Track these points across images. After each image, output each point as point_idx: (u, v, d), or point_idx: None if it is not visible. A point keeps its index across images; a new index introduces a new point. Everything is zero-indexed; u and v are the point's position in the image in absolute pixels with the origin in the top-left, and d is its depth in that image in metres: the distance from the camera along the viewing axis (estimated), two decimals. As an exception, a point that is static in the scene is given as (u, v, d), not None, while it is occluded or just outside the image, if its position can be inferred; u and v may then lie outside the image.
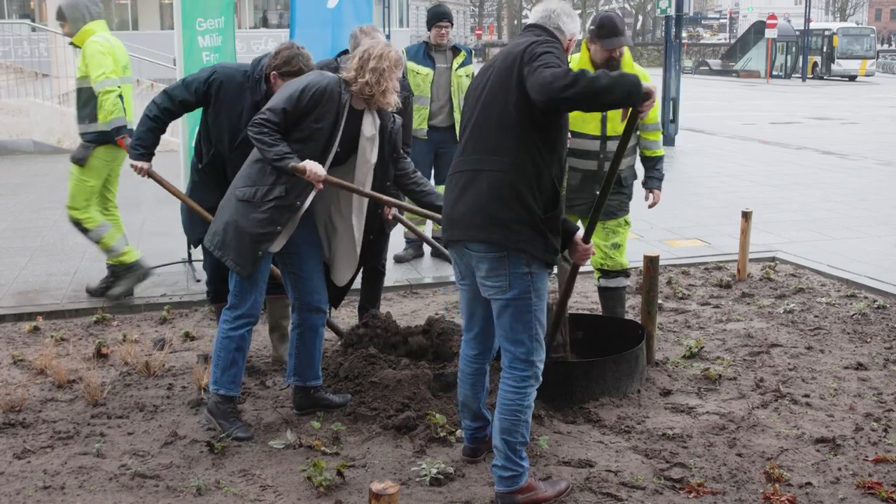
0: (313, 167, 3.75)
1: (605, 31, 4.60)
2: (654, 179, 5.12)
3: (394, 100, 3.91)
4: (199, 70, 4.58)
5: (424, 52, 6.86)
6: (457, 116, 6.86)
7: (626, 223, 5.04)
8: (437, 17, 6.90)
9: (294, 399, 4.23)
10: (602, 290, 5.13)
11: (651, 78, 3.67)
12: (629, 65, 4.71)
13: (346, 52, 4.98)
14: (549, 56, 3.11)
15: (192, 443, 3.88)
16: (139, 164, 4.47)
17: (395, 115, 4.17)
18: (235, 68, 4.46)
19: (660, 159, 5.10)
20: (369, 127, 3.98)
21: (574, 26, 3.43)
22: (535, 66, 3.08)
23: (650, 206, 5.16)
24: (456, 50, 6.90)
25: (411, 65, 6.73)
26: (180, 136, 6.71)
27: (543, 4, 3.45)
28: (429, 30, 6.95)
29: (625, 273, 5.06)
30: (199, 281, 6.38)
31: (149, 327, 5.58)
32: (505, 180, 3.20)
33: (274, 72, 4.26)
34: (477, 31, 73.44)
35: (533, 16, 3.47)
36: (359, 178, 4.03)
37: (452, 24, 6.99)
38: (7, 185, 10.81)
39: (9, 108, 13.98)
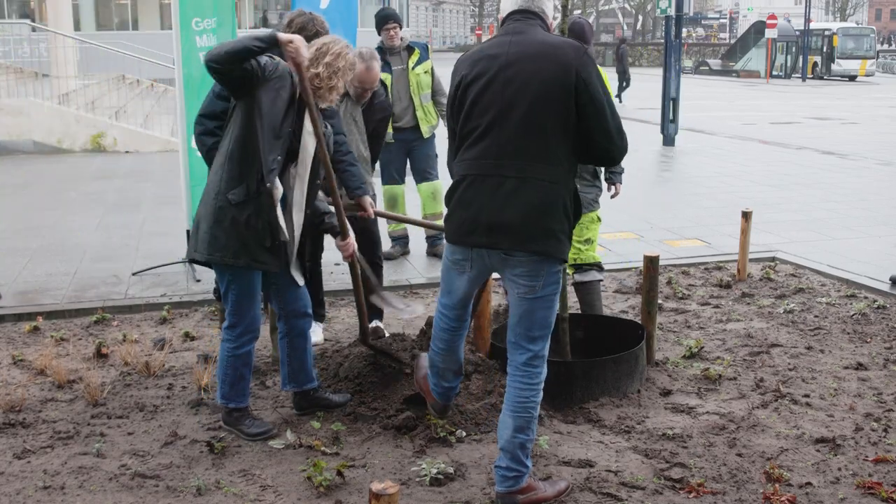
0: (298, 39, 3.60)
1: (572, 37, 4.69)
2: (615, 174, 5.41)
3: (335, 99, 3.92)
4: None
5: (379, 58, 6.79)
6: (420, 115, 6.94)
7: (598, 219, 5.20)
8: (384, 21, 6.90)
9: (294, 401, 4.23)
10: (577, 286, 5.19)
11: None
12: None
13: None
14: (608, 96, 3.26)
15: (192, 443, 3.88)
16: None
17: (328, 123, 4.15)
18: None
19: None
20: (309, 123, 3.90)
21: (551, 4, 3.46)
22: (606, 108, 3.21)
23: (612, 197, 5.49)
24: (410, 49, 6.91)
25: None
26: (180, 136, 6.70)
27: None
28: (379, 34, 6.94)
29: (597, 266, 5.16)
30: (199, 281, 6.38)
31: (149, 327, 5.58)
32: (558, 192, 3.20)
33: None
34: (477, 31, 73.41)
35: (511, 3, 3.37)
36: (300, 173, 3.95)
37: (401, 26, 7.00)
38: (7, 185, 10.82)
39: (9, 108, 13.97)
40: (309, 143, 3.88)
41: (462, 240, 3.32)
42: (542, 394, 3.36)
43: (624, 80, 24.80)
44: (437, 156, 7.23)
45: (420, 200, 7.23)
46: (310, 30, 4.21)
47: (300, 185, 3.92)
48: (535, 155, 3.17)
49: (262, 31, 3.66)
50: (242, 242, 3.74)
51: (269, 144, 3.67)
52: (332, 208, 4.10)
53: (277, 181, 3.73)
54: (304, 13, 4.30)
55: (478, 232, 3.25)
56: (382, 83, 5.36)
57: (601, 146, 3.25)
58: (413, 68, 6.87)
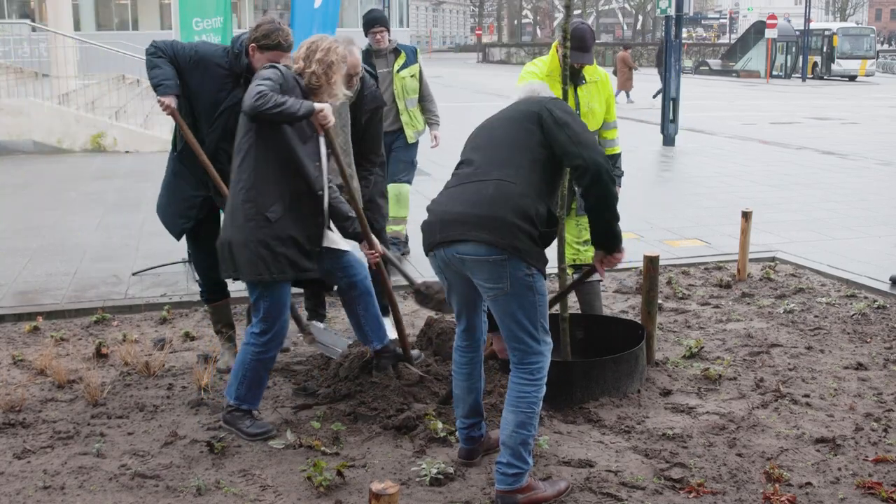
0: (328, 108, 3.83)
1: (573, 44, 4.69)
2: (615, 176, 5.24)
3: (342, 92, 3.99)
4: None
5: (365, 60, 6.41)
6: (404, 119, 6.88)
7: None
8: (371, 24, 6.80)
9: (378, 364, 4.34)
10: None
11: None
12: (593, 66, 5.03)
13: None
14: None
15: (192, 443, 3.88)
16: (167, 99, 4.35)
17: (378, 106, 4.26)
18: (215, 46, 4.57)
19: (618, 156, 5.27)
20: (308, 127, 4.00)
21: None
22: (571, 120, 3.40)
23: None
24: (397, 52, 6.84)
25: None
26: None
27: (529, 85, 3.80)
28: (366, 36, 6.86)
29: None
30: (199, 281, 6.37)
31: (149, 327, 5.58)
32: (513, 190, 3.26)
33: (253, 44, 4.28)
34: (477, 31, 73.44)
35: (520, 93, 3.76)
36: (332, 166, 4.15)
37: (388, 29, 6.89)
38: (7, 185, 10.82)
39: (9, 108, 13.98)
40: (322, 148, 4.03)
41: (426, 246, 3.43)
42: (543, 389, 3.36)
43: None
44: (415, 164, 7.16)
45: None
46: (273, 39, 4.24)
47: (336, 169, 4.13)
48: (494, 163, 3.36)
49: (305, 106, 3.75)
50: (286, 257, 3.84)
51: (307, 158, 3.88)
52: (353, 213, 4.23)
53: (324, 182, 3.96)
54: (273, 21, 4.34)
55: (434, 231, 3.36)
56: (374, 75, 5.19)
57: (569, 152, 3.32)
58: (398, 71, 6.81)
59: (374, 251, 4.33)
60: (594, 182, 3.29)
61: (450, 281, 3.45)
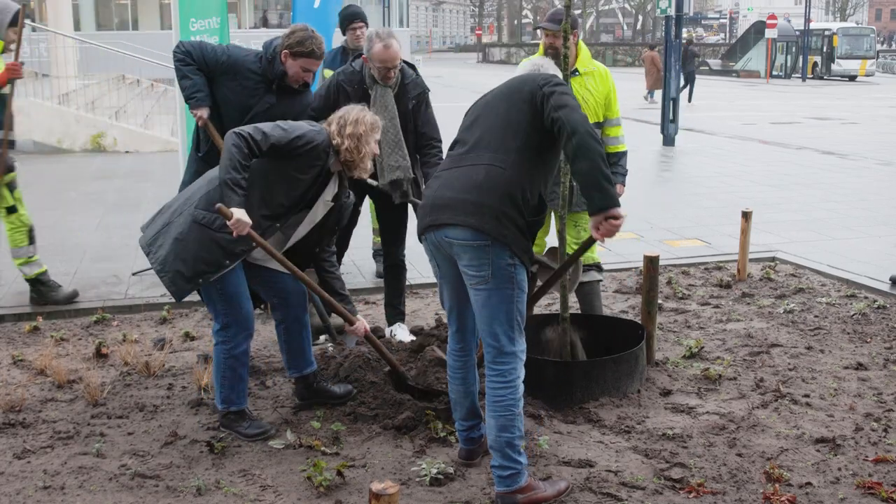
0: (241, 217, 3.58)
1: (547, 17, 4.93)
2: (618, 175, 5.10)
3: (369, 166, 3.96)
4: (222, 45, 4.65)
5: (341, 59, 6.22)
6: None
7: None
8: (350, 19, 6.34)
9: (296, 391, 4.25)
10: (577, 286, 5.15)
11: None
12: (586, 58, 4.99)
13: (359, 54, 5.02)
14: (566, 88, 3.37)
15: (192, 443, 3.88)
16: (200, 112, 4.32)
17: (350, 191, 4.17)
18: (247, 51, 4.55)
19: (623, 154, 5.12)
20: (330, 191, 4.00)
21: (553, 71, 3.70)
22: (559, 91, 3.31)
23: None
24: None
25: (328, 72, 6.08)
26: (180, 136, 6.70)
27: (531, 60, 3.80)
28: (343, 34, 6.41)
29: (597, 267, 5.13)
30: (199, 281, 6.38)
31: (149, 327, 5.58)
32: (503, 176, 3.27)
33: (286, 50, 4.29)
34: (477, 31, 73.45)
35: (521, 69, 3.75)
36: (298, 233, 4.00)
37: (367, 25, 6.34)
38: (7, 185, 10.80)
39: (9, 108, 13.96)
40: (319, 209, 3.99)
41: (419, 230, 3.45)
42: (520, 390, 3.34)
43: (689, 82, 24.82)
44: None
45: (371, 212, 6.63)
46: (307, 47, 4.28)
47: (294, 236, 4.00)
48: (486, 145, 3.36)
49: (227, 184, 3.63)
50: (218, 246, 3.73)
51: (281, 191, 3.84)
52: (345, 292, 4.18)
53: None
54: (307, 29, 4.37)
55: (425, 214, 3.38)
56: (411, 65, 4.99)
57: (551, 117, 3.25)
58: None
59: (356, 330, 4.10)
60: (571, 137, 3.18)
61: (441, 267, 3.46)
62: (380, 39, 4.72)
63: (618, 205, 3.20)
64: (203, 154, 4.61)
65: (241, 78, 4.42)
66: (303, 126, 3.87)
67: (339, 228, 4.20)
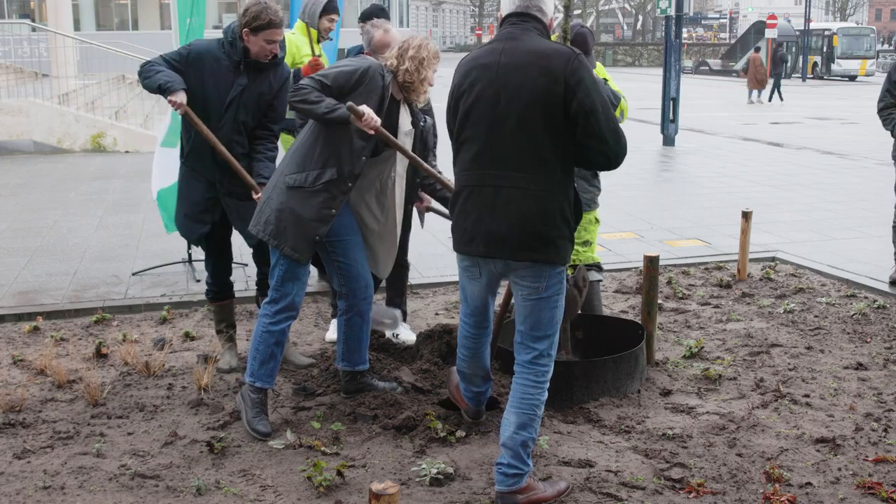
0: (369, 111, 3.77)
1: (575, 47, 4.62)
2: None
3: (425, 95, 4.03)
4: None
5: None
6: None
7: (597, 220, 5.05)
8: (328, 9, 5.90)
9: (342, 384, 4.30)
10: None
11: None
12: (599, 71, 4.87)
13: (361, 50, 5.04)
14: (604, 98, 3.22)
15: (192, 443, 3.88)
16: (177, 97, 4.26)
17: (426, 116, 4.24)
18: (208, 41, 4.54)
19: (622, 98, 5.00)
20: (406, 121, 4.05)
21: (551, 4, 3.42)
22: (599, 112, 3.14)
23: None
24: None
25: None
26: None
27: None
28: (316, 23, 5.90)
29: (597, 266, 5.11)
30: (198, 281, 6.39)
31: (149, 327, 5.58)
32: (553, 200, 3.22)
33: (245, 28, 4.27)
34: (477, 31, 73.44)
35: (508, 4, 3.34)
36: (399, 172, 4.12)
37: (339, 15, 6.08)
38: (7, 186, 10.81)
39: (9, 108, 13.97)
40: (405, 143, 4.04)
41: (464, 249, 3.39)
42: (546, 393, 3.38)
43: (776, 84, 26.71)
44: None
45: None
46: (263, 19, 4.23)
47: (399, 184, 4.14)
48: (529, 166, 3.19)
49: (339, 112, 3.76)
50: (296, 232, 3.87)
51: (357, 147, 3.86)
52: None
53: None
54: (259, 2, 4.29)
55: (476, 241, 3.31)
56: None
57: (596, 150, 3.19)
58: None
59: (367, 118, 3.92)
60: (611, 168, 3.28)
61: (481, 274, 3.43)
62: (376, 27, 4.78)
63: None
64: (184, 158, 4.54)
65: (210, 67, 4.36)
66: (343, 63, 3.98)
67: (431, 149, 4.27)
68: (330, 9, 5.87)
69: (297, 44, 5.86)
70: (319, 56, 5.79)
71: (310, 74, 4.10)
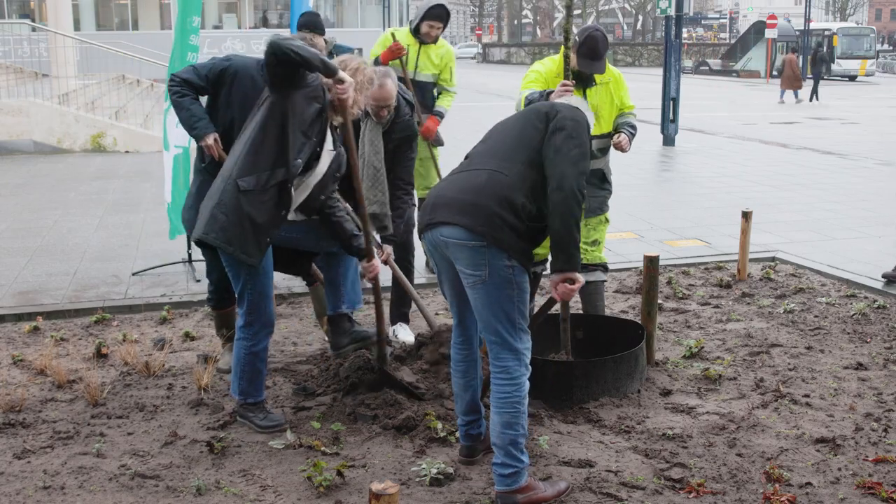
0: (349, 81, 3.81)
1: (584, 50, 4.59)
2: (626, 125, 4.93)
3: (356, 113, 4.02)
4: (211, 59, 4.57)
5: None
6: None
7: (606, 220, 5.10)
8: (431, 16, 6.05)
9: (331, 341, 4.33)
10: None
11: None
12: (609, 72, 4.87)
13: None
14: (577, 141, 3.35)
15: (192, 443, 3.88)
16: (209, 140, 4.31)
17: (342, 147, 4.17)
18: (248, 58, 4.52)
19: (633, 115, 5.01)
20: (330, 140, 4.03)
21: None
22: (567, 132, 3.33)
23: (615, 145, 4.89)
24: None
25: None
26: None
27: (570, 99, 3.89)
28: (418, 29, 6.09)
29: (603, 267, 5.12)
30: (198, 281, 6.39)
31: (149, 327, 5.58)
32: (504, 180, 3.29)
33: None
34: (477, 31, 73.44)
35: None
36: (308, 184, 4.03)
37: (445, 26, 6.18)
38: (7, 186, 10.81)
39: (9, 108, 13.97)
40: (324, 159, 4.01)
41: (419, 229, 3.49)
42: (525, 387, 3.35)
43: (815, 83, 26.84)
44: None
45: None
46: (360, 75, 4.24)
47: (303, 192, 4.02)
48: (494, 154, 3.43)
49: (329, 62, 3.77)
50: (250, 236, 3.79)
51: (298, 144, 3.83)
52: (358, 231, 4.18)
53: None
54: (305, 38, 4.36)
55: (425, 213, 3.42)
56: (410, 103, 4.92)
57: (549, 158, 3.30)
58: None
59: (371, 268, 4.18)
60: (556, 191, 3.23)
61: (438, 265, 3.49)
62: (375, 78, 4.68)
63: (578, 270, 3.29)
64: (206, 164, 4.54)
65: (244, 85, 4.35)
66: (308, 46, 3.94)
67: (339, 176, 4.18)
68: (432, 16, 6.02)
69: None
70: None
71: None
